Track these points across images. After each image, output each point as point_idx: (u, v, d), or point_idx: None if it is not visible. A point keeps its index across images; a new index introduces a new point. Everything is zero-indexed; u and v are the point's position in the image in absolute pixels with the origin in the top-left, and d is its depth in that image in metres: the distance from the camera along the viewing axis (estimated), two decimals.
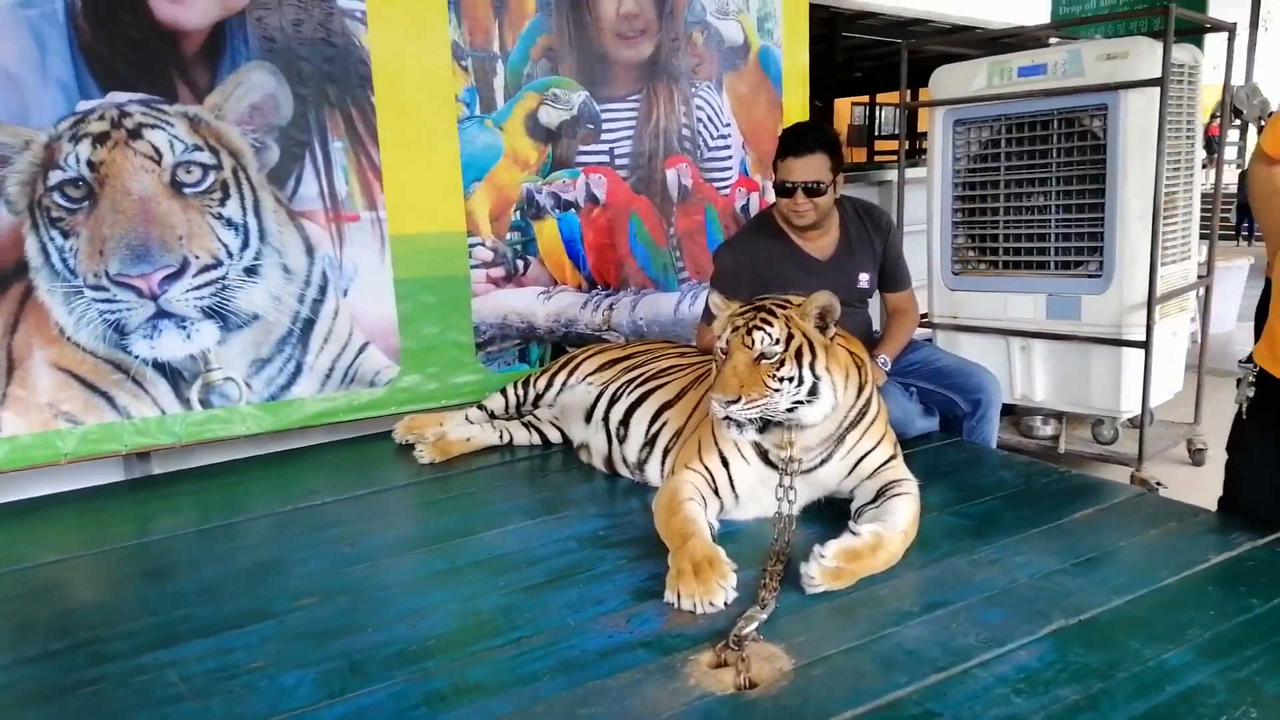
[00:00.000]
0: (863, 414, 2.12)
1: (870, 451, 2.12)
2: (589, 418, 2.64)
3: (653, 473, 2.38)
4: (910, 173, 4.19)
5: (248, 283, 2.78)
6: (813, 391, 1.98)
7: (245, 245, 2.76)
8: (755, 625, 1.61)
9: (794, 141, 2.69)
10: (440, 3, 3.04)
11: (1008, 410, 3.85)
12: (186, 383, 2.73)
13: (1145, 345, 3.38)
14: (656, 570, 1.85)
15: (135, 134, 2.60)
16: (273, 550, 2.12)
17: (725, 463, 2.11)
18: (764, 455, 2.09)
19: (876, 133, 11.52)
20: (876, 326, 3.05)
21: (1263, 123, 2.09)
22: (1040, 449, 3.80)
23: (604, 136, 3.41)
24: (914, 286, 3.02)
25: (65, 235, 2.53)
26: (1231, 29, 3.85)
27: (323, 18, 2.85)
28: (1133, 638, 1.58)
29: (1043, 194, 3.61)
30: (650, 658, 1.57)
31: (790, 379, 1.95)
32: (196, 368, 2.74)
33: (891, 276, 2.93)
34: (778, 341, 1.95)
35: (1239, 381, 2.02)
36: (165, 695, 1.51)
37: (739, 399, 1.90)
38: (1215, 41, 4.27)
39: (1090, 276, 3.52)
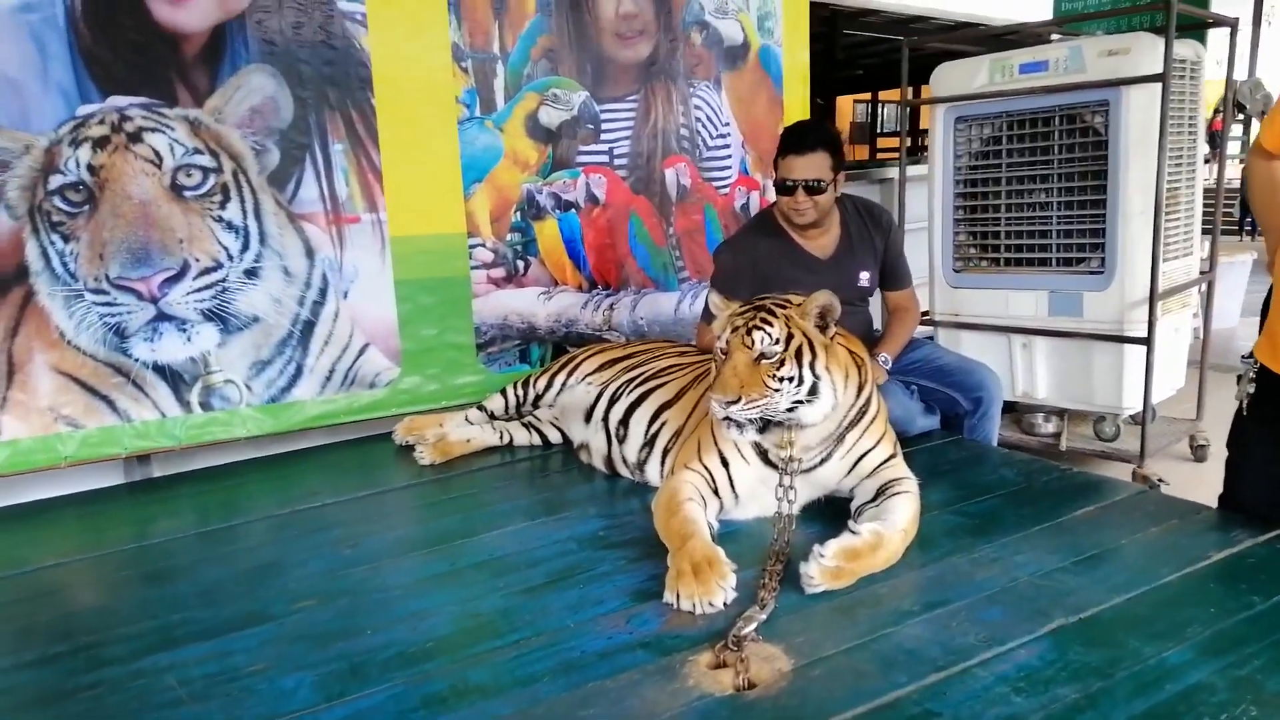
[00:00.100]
0: (863, 413, 2.12)
1: (870, 450, 2.12)
2: (589, 418, 2.64)
3: (652, 473, 2.38)
4: (912, 170, 4.18)
5: (248, 285, 2.78)
6: (813, 391, 1.97)
7: (245, 248, 2.77)
8: (754, 625, 1.61)
9: (795, 139, 2.69)
10: (440, 4, 3.04)
11: (1009, 407, 3.84)
12: (187, 385, 2.74)
13: (1147, 342, 3.37)
14: (656, 571, 1.85)
15: (135, 138, 2.60)
16: (273, 552, 2.12)
17: (725, 463, 2.10)
18: (764, 455, 2.09)
19: (879, 130, 11.49)
20: (877, 325, 3.05)
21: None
22: (1042, 446, 3.79)
23: (603, 137, 3.41)
24: (915, 284, 3.02)
25: (66, 239, 2.54)
26: (1234, 24, 3.84)
27: (323, 20, 2.85)
28: (1133, 636, 1.58)
29: (1044, 191, 3.59)
30: (649, 659, 1.57)
31: (790, 379, 1.94)
32: (197, 370, 2.74)
33: (892, 275, 2.93)
34: (778, 341, 1.94)
35: (1239, 378, 2.01)
36: (164, 699, 1.51)
37: (739, 399, 1.90)
38: (1218, 36, 4.25)
39: (1092, 273, 3.51)
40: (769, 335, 1.94)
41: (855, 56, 7.40)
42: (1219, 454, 2.13)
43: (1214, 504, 2.14)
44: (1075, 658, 1.52)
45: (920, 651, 1.56)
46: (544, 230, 3.34)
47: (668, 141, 3.54)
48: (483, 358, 3.23)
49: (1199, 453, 3.93)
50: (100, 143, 2.56)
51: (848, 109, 13.43)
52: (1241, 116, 4.49)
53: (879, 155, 10.22)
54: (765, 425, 1.98)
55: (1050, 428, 3.93)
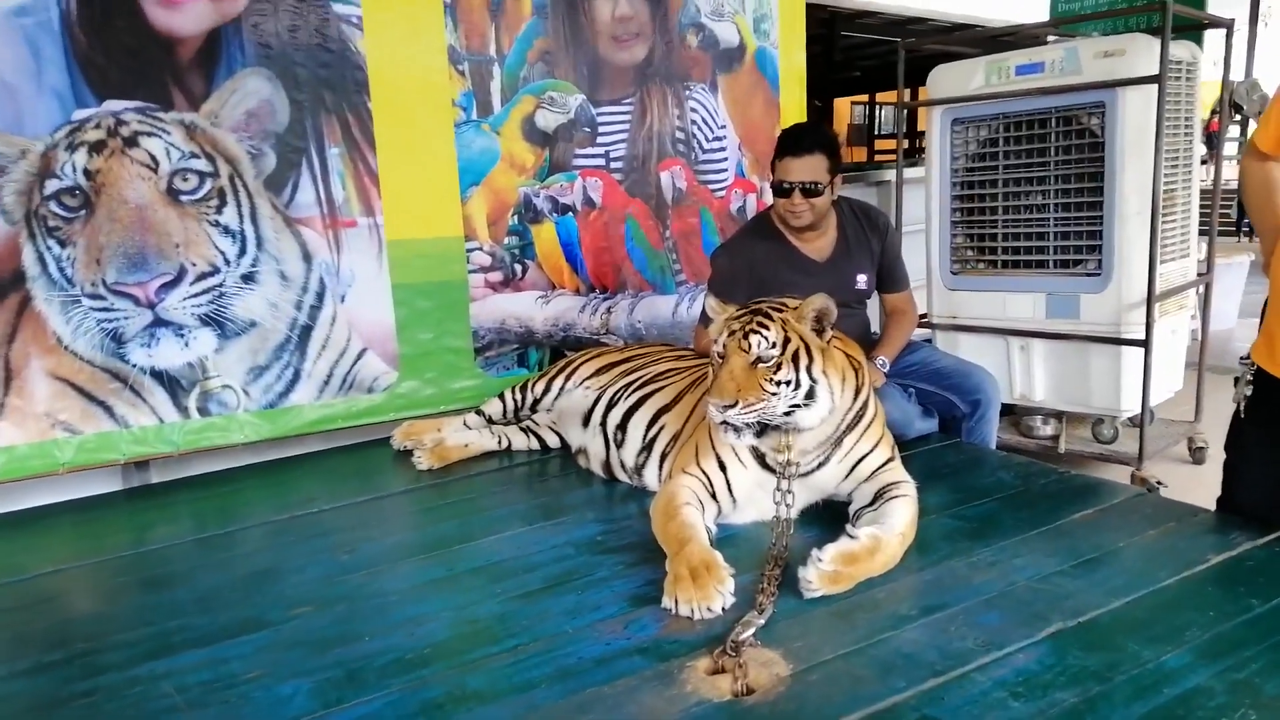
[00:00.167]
0: (860, 416, 2.12)
1: (868, 454, 2.12)
2: (587, 422, 2.63)
3: (650, 477, 2.37)
4: (909, 172, 4.19)
5: (245, 290, 2.77)
6: (810, 395, 1.97)
7: (242, 252, 2.76)
8: (753, 631, 1.61)
9: (792, 142, 2.69)
10: (436, 7, 3.04)
11: (1007, 410, 3.84)
12: (184, 391, 2.73)
13: (1145, 344, 3.37)
14: (654, 576, 1.84)
15: (131, 142, 2.60)
16: (270, 559, 2.11)
17: (723, 467, 2.10)
18: (761, 459, 2.08)
19: (877, 132, 11.50)
20: (875, 328, 3.04)
21: None
22: (1040, 449, 3.80)
23: (600, 140, 3.41)
24: (913, 287, 3.02)
25: (62, 244, 2.53)
26: (1229, 25, 3.85)
27: (319, 23, 2.85)
28: (1131, 640, 1.58)
29: (1041, 193, 3.60)
30: (647, 664, 1.56)
31: (787, 382, 1.94)
32: (194, 376, 2.74)
33: (889, 277, 2.93)
34: (774, 345, 1.94)
35: (1236, 380, 2.01)
36: (160, 706, 1.51)
37: (736, 403, 1.90)
38: (1215, 37, 4.25)
39: (1089, 275, 3.51)
40: (765, 339, 1.94)
41: (853, 58, 7.41)
42: (1217, 456, 2.13)
43: (1212, 506, 2.14)
44: (1073, 662, 1.52)
45: (918, 656, 1.55)
46: (541, 234, 3.34)
47: (664, 144, 3.54)
48: (480, 362, 3.23)
49: (1197, 455, 3.93)
50: (96, 147, 2.55)
51: (846, 111, 13.44)
52: (1239, 117, 4.48)
53: (877, 157, 10.23)
54: (762, 429, 1.98)
55: (1048, 430, 3.94)
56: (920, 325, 3.48)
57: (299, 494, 2.54)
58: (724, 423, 1.94)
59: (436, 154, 3.08)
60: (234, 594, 1.92)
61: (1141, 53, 3.31)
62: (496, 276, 3.26)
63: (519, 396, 2.91)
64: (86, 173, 2.54)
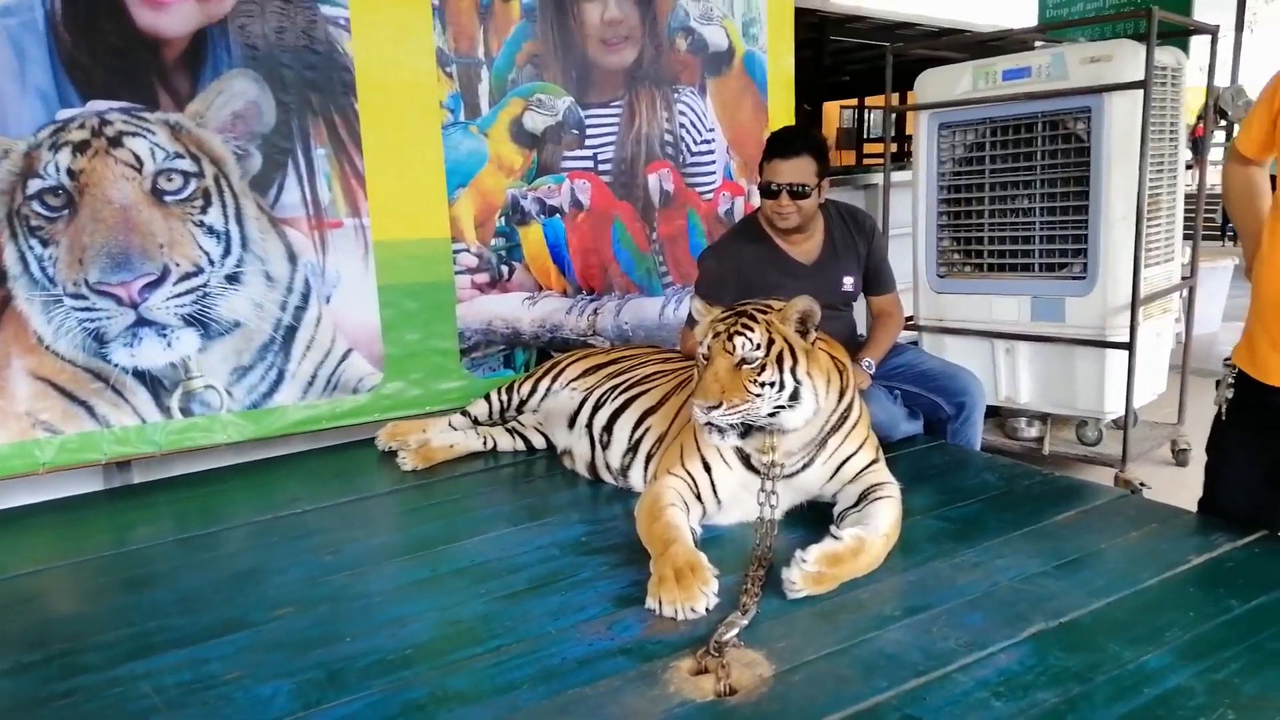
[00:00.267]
0: (844, 418, 2.12)
1: (852, 455, 2.12)
2: (573, 423, 2.63)
3: (636, 478, 2.37)
4: (896, 176, 4.20)
5: (229, 290, 2.76)
6: (794, 396, 1.97)
7: (227, 253, 2.75)
8: (736, 631, 1.61)
9: (781, 144, 2.69)
10: (425, 9, 3.04)
11: (992, 412, 3.85)
12: (167, 391, 2.72)
13: (1129, 347, 3.39)
14: (639, 577, 1.84)
15: (116, 142, 2.59)
16: (252, 559, 2.10)
17: (708, 468, 2.10)
18: (746, 460, 2.08)
19: (866, 136, 11.54)
20: (861, 330, 3.05)
21: None
22: (1025, 451, 3.81)
23: (588, 142, 3.41)
24: (899, 289, 3.03)
25: (44, 244, 2.52)
26: (1214, 31, 3.87)
27: (306, 25, 2.84)
28: (1112, 640, 1.58)
29: (1027, 197, 3.61)
30: (630, 665, 1.56)
31: (771, 384, 1.95)
32: (177, 376, 2.72)
33: (876, 280, 2.93)
34: (759, 347, 1.94)
35: (1218, 383, 2.02)
36: (139, 707, 1.50)
37: (720, 404, 1.90)
38: (1201, 43, 4.28)
39: (1074, 278, 3.53)
40: (750, 340, 1.94)
41: (842, 63, 7.44)
42: (1200, 458, 2.14)
43: (1194, 508, 2.15)
44: (1055, 662, 1.52)
45: (901, 656, 1.56)
46: (528, 235, 3.34)
47: (652, 147, 3.54)
48: (466, 363, 3.22)
49: (1180, 457, 3.96)
50: (80, 147, 2.54)
51: (835, 115, 13.48)
52: (1224, 123, 4.51)
53: (866, 161, 10.26)
54: (747, 430, 1.98)
55: (1033, 432, 3.95)
56: (906, 328, 3.50)
57: (282, 495, 2.53)
58: (708, 424, 1.94)
59: (423, 155, 3.07)
60: (216, 595, 1.91)
61: (1127, 58, 3.33)
62: (483, 278, 3.25)
63: (505, 397, 2.90)
64: (70, 172, 2.53)
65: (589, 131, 3.41)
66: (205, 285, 2.72)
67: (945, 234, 3.86)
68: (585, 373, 2.77)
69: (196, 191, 2.70)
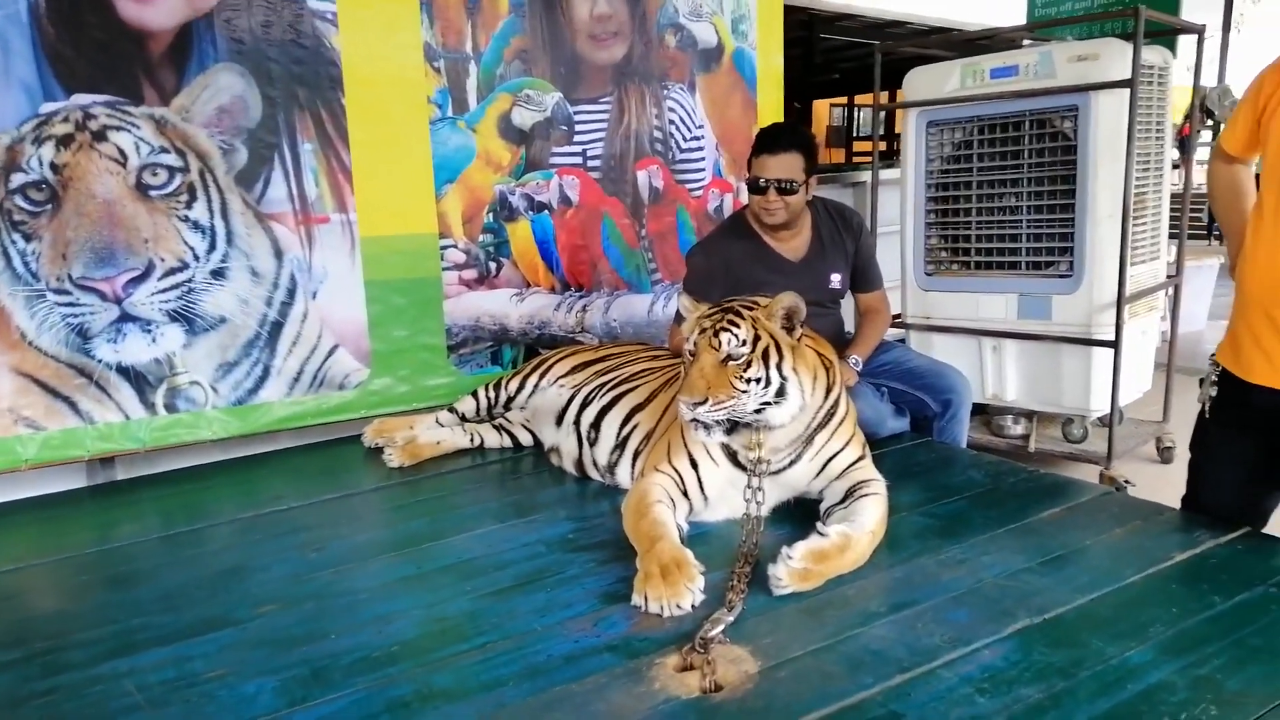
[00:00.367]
0: (831, 415, 2.12)
1: (839, 452, 2.12)
2: (560, 420, 2.63)
3: (623, 475, 2.37)
4: (885, 174, 4.21)
5: (214, 285, 2.75)
6: (780, 392, 1.98)
7: (212, 248, 2.73)
8: (722, 627, 1.61)
9: (769, 140, 2.70)
10: (412, 4, 3.02)
11: (979, 409, 3.87)
12: (151, 387, 2.70)
13: (1115, 344, 3.41)
14: (625, 573, 1.84)
15: (100, 136, 2.56)
16: (237, 556, 2.09)
17: (694, 465, 2.10)
18: (733, 457, 2.09)
19: (855, 134, 11.54)
20: (849, 327, 3.06)
21: None
22: (1011, 448, 3.82)
23: (576, 138, 3.40)
24: (887, 287, 3.03)
25: (27, 238, 2.49)
26: (1200, 30, 3.89)
27: (292, 19, 2.82)
28: (1096, 636, 1.59)
29: (1014, 195, 3.63)
30: (616, 662, 1.56)
31: (757, 380, 1.95)
32: (162, 372, 2.70)
33: (863, 277, 2.94)
34: (744, 343, 1.94)
35: (1202, 381, 2.03)
36: (121, 705, 1.49)
37: (706, 400, 1.90)
38: (1189, 42, 4.30)
39: (1061, 276, 3.55)
40: (736, 337, 1.94)
41: (832, 61, 7.43)
42: (1185, 455, 2.15)
43: (1178, 505, 2.16)
44: (1039, 658, 1.53)
45: (886, 652, 1.56)
46: (516, 231, 3.33)
47: (641, 143, 3.54)
48: (454, 359, 3.21)
49: (1165, 454, 3.98)
50: (64, 141, 2.52)
51: (825, 113, 13.49)
52: (1211, 123, 4.54)
53: (855, 159, 10.27)
54: (733, 427, 1.98)
55: (1019, 429, 3.97)
56: (894, 325, 3.50)
57: (268, 491, 2.52)
58: (694, 420, 1.94)
59: (411, 151, 3.06)
60: (199, 592, 1.90)
61: (1114, 57, 3.34)
62: (471, 274, 3.24)
63: (492, 394, 2.89)
64: (53, 166, 2.50)
65: (578, 127, 3.40)
66: (190, 281, 2.70)
67: (933, 232, 3.87)
68: (573, 370, 2.76)
69: (181, 186, 2.68)
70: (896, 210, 3.97)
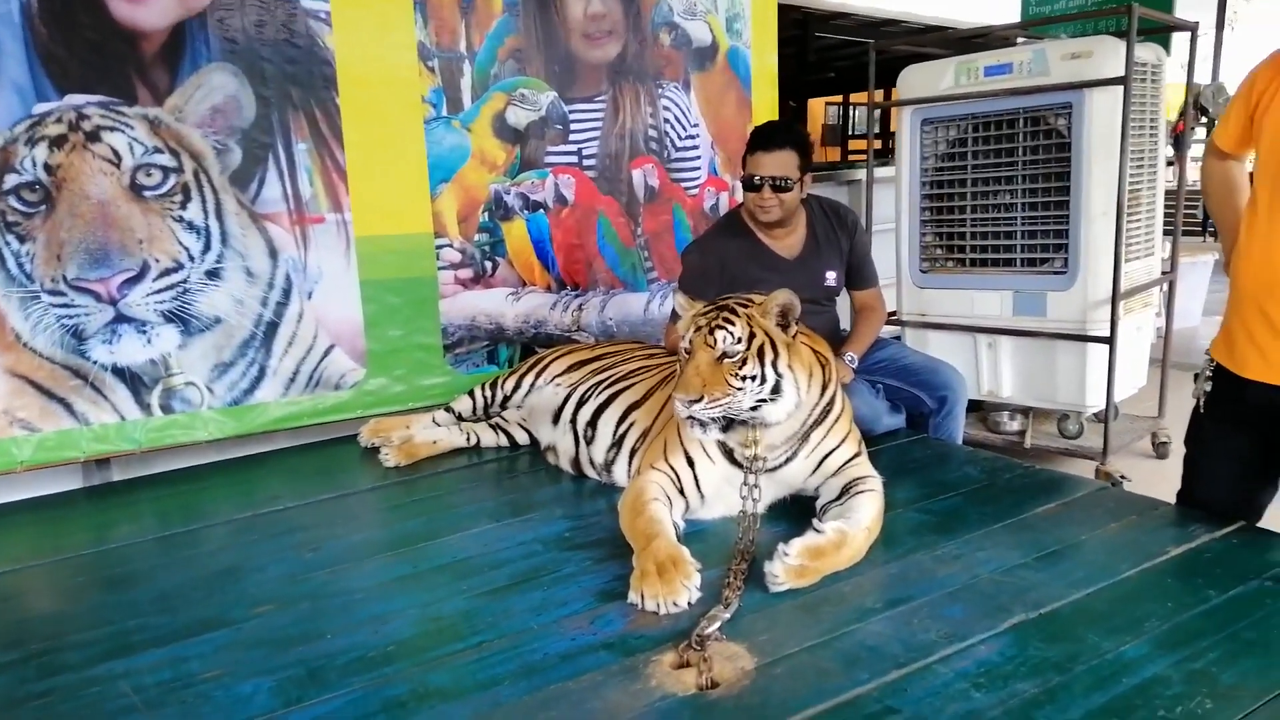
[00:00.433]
0: (827, 412, 2.12)
1: (835, 449, 2.13)
2: (557, 419, 2.63)
3: (620, 474, 2.37)
4: (880, 172, 4.21)
5: (209, 286, 2.74)
6: (775, 389, 1.98)
7: (207, 248, 2.73)
8: (718, 625, 1.61)
9: (764, 137, 2.70)
10: (406, 3, 3.02)
11: (975, 406, 3.87)
12: (147, 388, 2.69)
13: (1110, 341, 3.42)
14: (622, 571, 1.84)
15: (94, 136, 2.56)
16: (233, 557, 2.09)
17: (690, 462, 2.10)
18: (729, 454, 2.09)
19: (850, 132, 11.56)
20: (845, 325, 3.06)
21: None
22: (1007, 444, 3.83)
23: (572, 137, 3.40)
24: (882, 284, 3.04)
25: (21, 240, 2.49)
26: (1194, 28, 3.90)
27: (286, 18, 2.82)
28: (1092, 631, 1.59)
29: (1009, 192, 3.63)
30: (612, 659, 1.56)
31: (753, 377, 1.95)
32: (157, 373, 2.70)
33: (858, 274, 2.94)
34: (739, 340, 1.95)
35: (1196, 376, 2.04)
36: (117, 706, 1.49)
37: (702, 398, 1.90)
38: (1184, 40, 4.31)
39: (1055, 273, 3.55)
40: (731, 334, 1.94)
41: (827, 59, 7.44)
42: (1180, 451, 2.15)
43: (1173, 500, 2.16)
44: (1035, 653, 1.53)
45: (882, 648, 1.56)
46: (512, 231, 3.32)
47: (636, 142, 3.54)
48: (450, 359, 3.21)
49: (1160, 450, 3.99)
50: (57, 141, 2.51)
51: (820, 111, 13.50)
52: (1205, 120, 4.55)
53: (850, 157, 10.29)
54: (729, 424, 1.99)
55: (1015, 426, 3.98)
56: (889, 323, 3.51)
57: (264, 492, 2.52)
58: (690, 418, 1.94)
59: (405, 150, 3.06)
60: (195, 593, 1.90)
61: (1108, 55, 3.35)
62: (467, 273, 3.24)
63: (489, 393, 2.89)
64: (47, 167, 2.50)
65: (573, 126, 3.40)
66: (185, 281, 2.70)
67: (928, 229, 3.87)
68: (569, 368, 2.76)
69: (176, 187, 2.67)
70: (892, 208, 3.97)
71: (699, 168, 3.72)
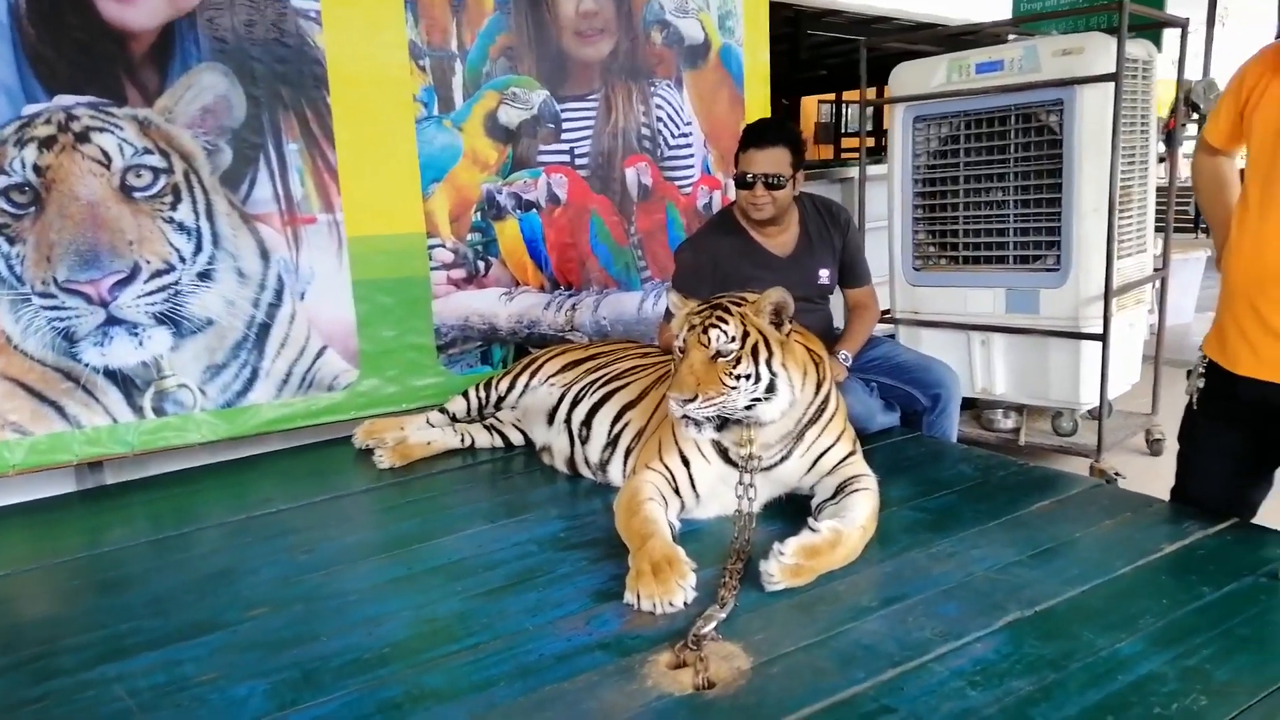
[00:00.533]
0: (821, 410, 2.12)
1: (830, 448, 2.13)
2: (551, 419, 2.62)
3: (615, 473, 2.37)
4: (872, 169, 4.21)
5: (201, 288, 2.73)
6: (770, 388, 1.98)
7: (198, 250, 2.72)
8: (714, 624, 1.61)
9: (756, 135, 2.70)
10: (397, 2, 3.01)
11: (969, 404, 3.88)
12: (139, 390, 2.68)
13: (1103, 338, 3.42)
14: (617, 571, 1.84)
15: (83, 138, 2.54)
16: (226, 560, 2.08)
17: (685, 462, 2.10)
18: (724, 453, 2.09)
19: (843, 130, 11.56)
20: (838, 323, 3.06)
21: None
22: (1001, 442, 3.84)
23: (564, 136, 3.39)
24: (875, 282, 3.04)
25: (11, 242, 2.47)
26: (1184, 24, 3.91)
27: (276, 18, 2.81)
28: (1086, 628, 1.60)
29: (1001, 189, 3.64)
30: (608, 660, 1.56)
31: (747, 376, 1.95)
32: (149, 375, 2.69)
33: (851, 272, 2.94)
34: (733, 339, 1.94)
35: (1189, 373, 2.04)
36: (112, 710, 1.48)
37: (696, 397, 1.90)
38: (1175, 36, 4.32)
39: (1048, 270, 3.56)
40: (725, 333, 1.94)
41: (819, 57, 7.43)
42: (1174, 447, 2.16)
43: (1167, 497, 2.17)
44: (1030, 650, 1.53)
45: (877, 647, 1.56)
46: (505, 230, 3.32)
47: (629, 141, 3.53)
48: (443, 359, 3.20)
49: (1154, 446, 4.00)
50: (46, 143, 2.50)
51: (813, 109, 13.50)
52: (1196, 116, 4.56)
53: (843, 155, 10.28)
54: (723, 423, 1.98)
55: (1009, 423, 3.98)
56: (883, 320, 3.51)
57: (257, 494, 2.51)
58: (685, 417, 1.94)
59: (397, 150, 3.05)
60: (189, 596, 1.89)
61: (1099, 51, 3.35)
62: (460, 273, 3.23)
63: (483, 394, 2.89)
64: (36, 169, 2.48)
65: (565, 125, 3.39)
66: (176, 283, 2.69)
67: (921, 227, 3.87)
68: (564, 368, 2.76)
69: (166, 187, 2.66)
70: (884, 206, 3.97)
71: (692, 166, 3.71)
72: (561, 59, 3.37)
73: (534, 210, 3.36)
